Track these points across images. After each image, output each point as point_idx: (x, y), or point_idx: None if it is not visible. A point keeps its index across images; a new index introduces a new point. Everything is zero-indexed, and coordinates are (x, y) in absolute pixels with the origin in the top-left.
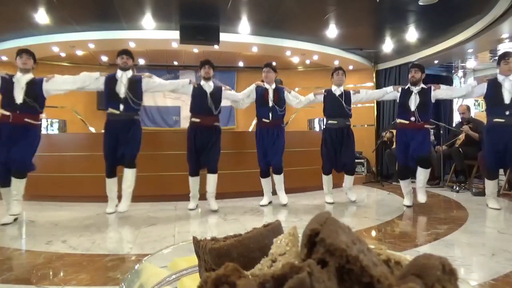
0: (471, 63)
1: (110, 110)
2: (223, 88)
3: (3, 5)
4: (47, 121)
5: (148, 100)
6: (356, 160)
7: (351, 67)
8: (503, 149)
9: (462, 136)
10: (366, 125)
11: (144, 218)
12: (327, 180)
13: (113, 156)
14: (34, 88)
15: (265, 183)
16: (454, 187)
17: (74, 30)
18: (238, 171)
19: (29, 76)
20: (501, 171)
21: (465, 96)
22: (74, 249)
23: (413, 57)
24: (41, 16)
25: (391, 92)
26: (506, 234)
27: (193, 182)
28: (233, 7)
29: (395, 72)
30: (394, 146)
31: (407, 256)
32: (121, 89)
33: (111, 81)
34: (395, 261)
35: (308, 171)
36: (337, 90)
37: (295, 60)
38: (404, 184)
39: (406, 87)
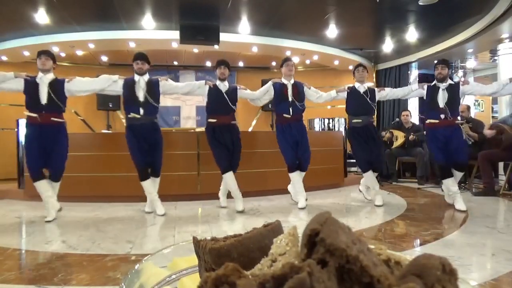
0: (471, 63)
1: (132, 114)
2: (238, 87)
3: (3, 5)
4: None
5: None
6: None
7: (351, 67)
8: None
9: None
10: None
11: (144, 218)
12: (370, 177)
13: (144, 159)
14: (57, 88)
15: (297, 178)
16: None
17: (74, 30)
18: (238, 171)
19: (51, 76)
20: (500, 170)
21: (495, 94)
22: (74, 249)
23: (413, 57)
24: (41, 16)
25: (416, 90)
26: (506, 234)
27: (231, 179)
28: (233, 7)
29: (395, 72)
30: (394, 146)
31: (407, 256)
32: (140, 93)
33: (129, 85)
34: (395, 261)
35: (308, 171)
36: (361, 87)
37: (295, 60)
38: (449, 183)
39: (432, 84)
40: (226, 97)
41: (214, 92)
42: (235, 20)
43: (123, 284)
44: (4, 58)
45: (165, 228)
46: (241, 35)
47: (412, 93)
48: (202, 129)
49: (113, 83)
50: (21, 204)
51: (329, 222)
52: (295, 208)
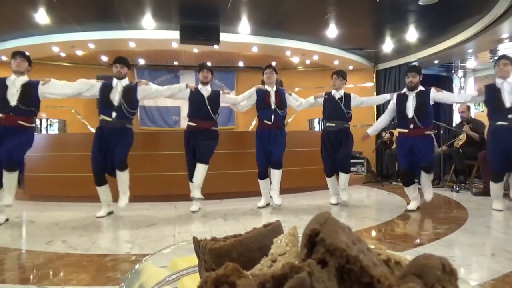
0: (471, 63)
1: (102, 116)
2: (221, 92)
3: (3, 5)
4: (47, 121)
5: (148, 100)
6: (356, 160)
7: (351, 67)
8: (509, 152)
9: (463, 137)
10: (366, 125)
11: (144, 218)
12: (330, 182)
13: (102, 163)
14: (30, 91)
15: (264, 184)
16: (454, 187)
17: (74, 30)
18: (238, 171)
19: (24, 78)
20: None
21: (463, 102)
22: (74, 249)
23: (413, 57)
24: (41, 16)
25: (390, 100)
26: (506, 234)
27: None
28: (233, 7)
29: (395, 72)
30: (394, 146)
31: (407, 256)
32: (115, 97)
33: (106, 89)
34: (395, 261)
35: (308, 171)
36: (336, 94)
37: (295, 60)
38: (410, 190)
39: (402, 92)
40: (206, 102)
41: (195, 96)
42: (235, 20)
43: (123, 284)
44: (4, 58)
45: (165, 228)
46: (241, 35)
47: (386, 102)
48: None
49: (91, 87)
50: (21, 204)
51: (329, 222)
52: (295, 208)
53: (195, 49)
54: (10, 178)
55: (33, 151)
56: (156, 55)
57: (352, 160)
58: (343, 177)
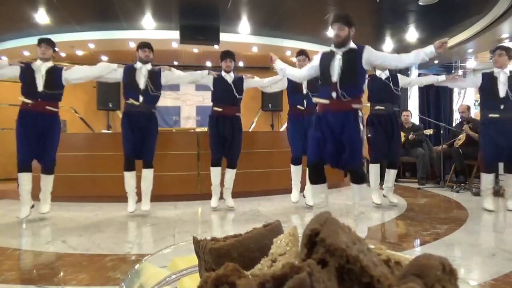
0: (471, 63)
1: (131, 100)
2: (244, 76)
3: (3, 5)
4: None
5: None
6: None
7: None
8: (502, 142)
9: (462, 137)
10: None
11: (144, 218)
12: (374, 169)
13: (132, 148)
14: (54, 76)
15: (296, 171)
16: (454, 187)
17: (74, 30)
18: (238, 171)
19: (49, 64)
20: (501, 171)
21: (410, 65)
22: (74, 249)
23: None
24: (41, 16)
25: (469, 78)
26: (506, 234)
27: (215, 173)
28: (233, 7)
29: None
30: None
31: (407, 256)
32: (141, 80)
33: (130, 72)
34: (395, 261)
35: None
36: (382, 74)
37: (295, 60)
38: (317, 190)
39: (329, 50)
40: (232, 86)
41: (219, 81)
42: (235, 20)
43: (123, 284)
44: (4, 58)
45: (165, 228)
46: (241, 35)
47: (466, 82)
48: (202, 129)
49: (112, 71)
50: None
51: (329, 222)
52: (295, 208)
53: (195, 49)
54: (49, 181)
55: None
56: (156, 55)
57: None
58: (392, 173)
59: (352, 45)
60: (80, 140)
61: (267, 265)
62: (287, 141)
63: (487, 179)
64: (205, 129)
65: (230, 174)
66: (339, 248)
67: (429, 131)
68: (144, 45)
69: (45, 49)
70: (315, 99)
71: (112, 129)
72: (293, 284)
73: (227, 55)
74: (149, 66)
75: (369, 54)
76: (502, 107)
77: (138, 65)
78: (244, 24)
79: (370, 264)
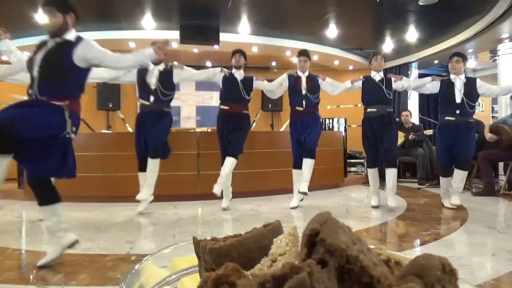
0: (471, 63)
1: (141, 101)
2: (254, 78)
3: (3, 5)
4: None
5: None
6: (356, 160)
7: (351, 67)
8: (455, 146)
9: None
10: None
11: (144, 218)
12: (372, 174)
13: (144, 149)
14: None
15: (298, 175)
16: None
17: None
18: (238, 171)
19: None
20: (500, 170)
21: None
22: (74, 249)
23: (413, 57)
24: (41, 16)
25: (430, 83)
26: (506, 234)
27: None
28: (233, 7)
29: (395, 72)
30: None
31: (407, 256)
32: (152, 81)
33: (142, 73)
34: (395, 261)
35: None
36: (376, 76)
37: (295, 60)
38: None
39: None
40: (240, 85)
41: (229, 79)
42: (235, 20)
43: (123, 284)
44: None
45: (165, 228)
46: (241, 35)
47: (427, 86)
48: (202, 129)
49: (127, 72)
50: (21, 204)
51: (329, 222)
52: (295, 208)
53: (195, 49)
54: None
55: None
56: None
57: (352, 160)
58: (391, 173)
59: (70, 36)
60: (80, 140)
61: (267, 265)
62: (287, 141)
63: (444, 182)
64: (205, 129)
65: (228, 162)
66: (339, 248)
67: (429, 131)
68: None
69: None
70: None
71: (112, 129)
72: (293, 284)
73: (237, 50)
74: (161, 67)
75: (85, 49)
76: (457, 112)
77: (150, 66)
78: (244, 24)
79: (370, 264)
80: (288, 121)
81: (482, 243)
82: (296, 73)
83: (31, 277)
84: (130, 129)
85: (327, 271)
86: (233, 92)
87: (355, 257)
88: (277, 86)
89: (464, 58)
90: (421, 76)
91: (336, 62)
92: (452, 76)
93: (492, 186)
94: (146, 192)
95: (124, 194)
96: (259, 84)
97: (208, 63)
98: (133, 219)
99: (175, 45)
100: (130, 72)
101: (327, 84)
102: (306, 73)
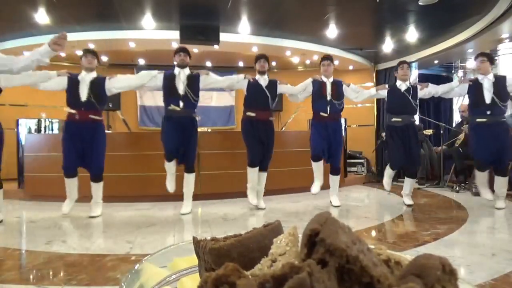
0: (471, 63)
1: (172, 106)
2: (278, 82)
3: (3, 5)
4: (45, 121)
5: (148, 100)
6: (356, 160)
7: (351, 67)
8: (491, 146)
9: (462, 136)
10: (366, 125)
11: (144, 218)
12: (389, 175)
13: (176, 148)
14: (97, 86)
15: (317, 166)
16: (454, 187)
17: (74, 30)
18: (238, 171)
19: (93, 74)
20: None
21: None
22: (74, 249)
23: (413, 57)
24: (41, 16)
25: (458, 86)
26: (506, 234)
27: (254, 173)
28: (233, 7)
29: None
30: None
31: (407, 256)
32: (180, 86)
33: (169, 78)
34: (395, 261)
35: (309, 171)
36: (402, 85)
37: (295, 60)
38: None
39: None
40: (266, 91)
41: (254, 86)
42: (235, 20)
43: (123, 284)
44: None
45: (165, 228)
46: (241, 35)
47: (455, 90)
48: (202, 129)
49: (152, 79)
50: (21, 204)
51: (329, 222)
52: (295, 208)
53: (195, 49)
54: (98, 187)
55: (33, 151)
56: (156, 55)
57: (352, 160)
58: (410, 182)
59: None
60: None
61: (267, 265)
62: (287, 141)
63: (481, 176)
64: (205, 129)
65: (263, 176)
66: (339, 248)
67: (428, 131)
68: (179, 50)
69: (91, 59)
70: None
71: (112, 129)
72: (293, 284)
73: (261, 56)
74: (187, 71)
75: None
76: (488, 112)
77: (176, 70)
78: (244, 24)
79: (370, 264)
80: (288, 121)
81: (482, 243)
82: (321, 78)
83: (31, 277)
84: (130, 130)
85: (327, 271)
86: (259, 99)
87: (355, 257)
88: (301, 91)
89: (489, 57)
90: (420, 76)
91: (336, 62)
92: (480, 77)
93: (492, 186)
94: (188, 206)
95: (124, 194)
96: (283, 87)
97: (208, 63)
98: (133, 219)
99: (175, 45)
100: (156, 77)
101: (351, 90)
102: (331, 79)
